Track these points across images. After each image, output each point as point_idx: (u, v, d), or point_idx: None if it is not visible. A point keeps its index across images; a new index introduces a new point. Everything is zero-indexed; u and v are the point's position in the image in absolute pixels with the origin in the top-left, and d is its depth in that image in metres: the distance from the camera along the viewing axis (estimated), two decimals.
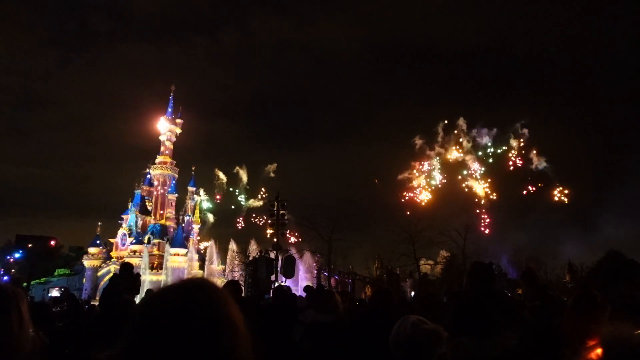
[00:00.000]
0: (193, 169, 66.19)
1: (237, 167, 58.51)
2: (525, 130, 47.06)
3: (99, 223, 60.76)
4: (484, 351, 2.72)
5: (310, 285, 19.15)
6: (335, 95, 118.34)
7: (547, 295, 7.66)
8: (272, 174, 57.96)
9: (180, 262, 55.44)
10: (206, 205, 64.26)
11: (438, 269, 47.18)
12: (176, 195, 61.18)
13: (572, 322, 4.38)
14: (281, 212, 29.90)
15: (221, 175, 60.15)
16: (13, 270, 58.03)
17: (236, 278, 37.57)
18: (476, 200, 47.67)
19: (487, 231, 45.49)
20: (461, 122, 49.24)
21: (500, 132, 48.15)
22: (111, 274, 49.84)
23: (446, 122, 49.58)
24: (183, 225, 60.04)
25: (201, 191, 63.43)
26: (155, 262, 54.24)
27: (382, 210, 51.46)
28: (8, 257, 66.32)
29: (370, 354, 4.15)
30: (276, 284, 22.01)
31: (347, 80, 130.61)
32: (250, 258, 37.87)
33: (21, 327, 1.34)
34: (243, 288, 27.43)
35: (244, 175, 57.96)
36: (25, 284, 46.56)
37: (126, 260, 45.70)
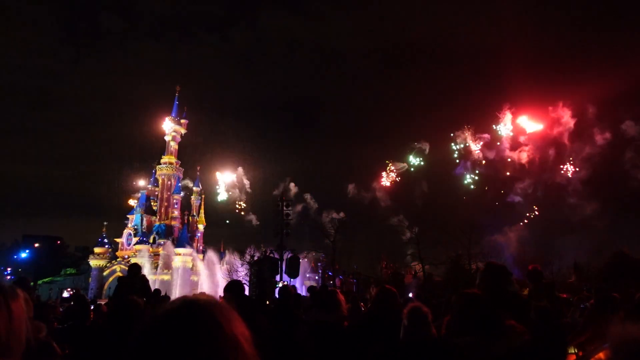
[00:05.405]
0: (198, 168, 66.54)
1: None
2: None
3: (105, 223, 61.05)
4: (489, 351, 2.67)
5: (314, 285, 19.12)
6: (344, 94, 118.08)
7: (554, 295, 7.58)
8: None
9: (185, 262, 55.63)
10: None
11: (443, 269, 46.98)
12: (181, 195, 61.40)
13: (593, 323, 4.32)
14: (285, 211, 29.90)
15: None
16: (20, 270, 58.43)
17: (240, 278, 37.59)
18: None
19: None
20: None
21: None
22: (117, 274, 50.17)
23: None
24: (188, 225, 60.27)
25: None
26: (161, 262, 54.41)
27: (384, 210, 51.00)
28: (15, 257, 66.81)
29: (374, 353, 4.11)
30: (280, 284, 22.00)
31: (355, 80, 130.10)
32: (255, 258, 37.90)
33: (10, 326, 1.29)
34: (247, 288, 27.43)
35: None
36: (32, 284, 46.80)
37: (132, 260, 45.91)
